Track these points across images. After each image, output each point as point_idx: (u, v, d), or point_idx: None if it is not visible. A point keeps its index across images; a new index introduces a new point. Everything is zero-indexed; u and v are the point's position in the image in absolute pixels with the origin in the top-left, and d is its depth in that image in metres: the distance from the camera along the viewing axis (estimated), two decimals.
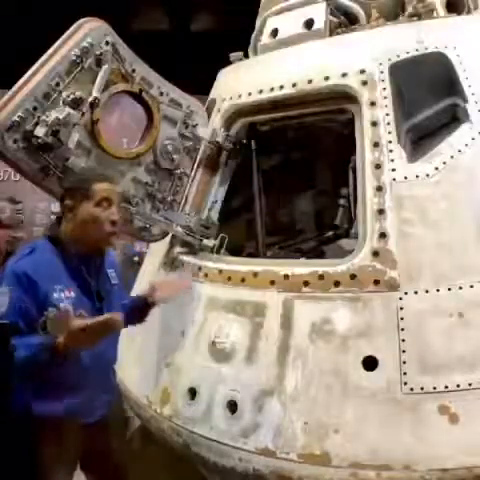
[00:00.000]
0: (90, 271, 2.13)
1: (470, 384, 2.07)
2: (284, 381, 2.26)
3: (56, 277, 2.02)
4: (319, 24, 2.83)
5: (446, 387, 2.07)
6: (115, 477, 2.38)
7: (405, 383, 2.10)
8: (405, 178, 2.33)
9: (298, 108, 2.78)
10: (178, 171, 2.93)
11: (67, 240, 2.11)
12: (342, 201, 3.81)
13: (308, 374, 2.22)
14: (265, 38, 3.09)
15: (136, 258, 6.43)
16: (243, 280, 2.51)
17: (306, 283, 2.34)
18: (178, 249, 2.95)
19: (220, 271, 2.62)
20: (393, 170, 2.35)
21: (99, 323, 1.83)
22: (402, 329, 2.15)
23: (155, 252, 3.20)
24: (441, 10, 2.80)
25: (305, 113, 2.81)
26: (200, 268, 2.71)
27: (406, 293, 2.19)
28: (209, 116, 3.06)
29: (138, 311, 2.39)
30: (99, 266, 2.19)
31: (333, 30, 2.88)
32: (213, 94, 3.23)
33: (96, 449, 2.23)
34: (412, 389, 2.09)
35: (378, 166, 2.38)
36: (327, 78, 2.60)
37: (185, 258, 2.87)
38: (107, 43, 2.59)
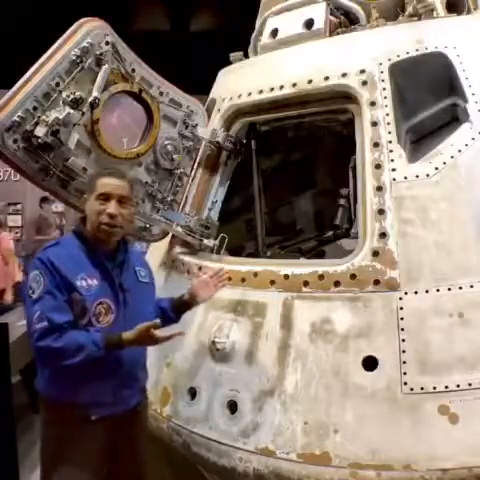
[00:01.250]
0: (114, 265, 2.20)
1: (470, 384, 2.07)
2: (284, 381, 2.26)
3: (79, 267, 2.11)
4: (319, 24, 2.84)
5: (446, 387, 2.07)
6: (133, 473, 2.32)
7: (405, 383, 2.10)
8: (405, 178, 2.33)
9: (298, 108, 2.78)
10: (178, 171, 2.93)
11: (89, 234, 2.19)
12: (342, 201, 3.80)
13: (308, 374, 2.22)
14: (265, 38, 3.09)
15: None
16: (243, 280, 2.52)
17: (306, 283, 2.34)
18: (178, 249, 2.95)
19: None
20: (393, 170, 2.35)
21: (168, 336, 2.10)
22: (402, 329, 2.15)
23: (155, 252, 3.20)
24: (441, 10, 2.80)
25: (305, 113, 2.82)
26: (200, 268, 2.71)
27: (406, 293, 2.19)
28: (209, 116, 3.06)
29: (176, 312, 2.42)
30: (123, 261, 2.24)
31: (333, 30, 2.88)
32: (213, 94, 3.22)
33: (117, 442, 2.19)
34: (412, 389, 2.09)
35: (378, 166, 2.38)
36: (327, 78, 2.60)
37: (185, 258, 2.87)
38: (107, 43, 2.59)
